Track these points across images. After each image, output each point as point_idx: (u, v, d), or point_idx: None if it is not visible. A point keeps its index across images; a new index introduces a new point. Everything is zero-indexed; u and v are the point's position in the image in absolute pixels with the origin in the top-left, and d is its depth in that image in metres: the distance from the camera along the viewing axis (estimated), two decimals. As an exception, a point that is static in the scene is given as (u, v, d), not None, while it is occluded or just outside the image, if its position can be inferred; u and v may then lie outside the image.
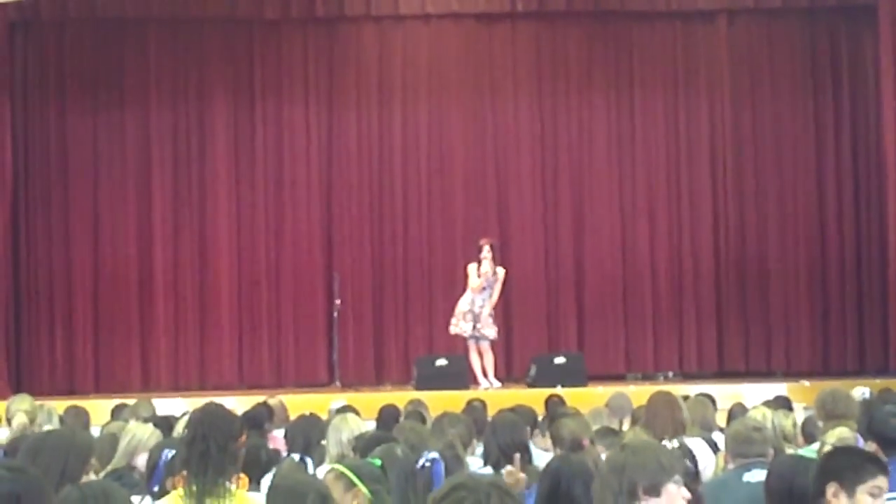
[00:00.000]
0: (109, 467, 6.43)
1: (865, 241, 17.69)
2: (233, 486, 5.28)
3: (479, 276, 15.55)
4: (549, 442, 7.92)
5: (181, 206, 17.48)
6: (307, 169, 17.66)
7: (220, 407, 5.51)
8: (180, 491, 5.14)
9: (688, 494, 4.37)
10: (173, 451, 5.74)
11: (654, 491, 4.28)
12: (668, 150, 17.94)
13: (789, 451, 7.62)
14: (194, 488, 5.10)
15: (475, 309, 15.54)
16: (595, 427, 8.05)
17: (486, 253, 15.57)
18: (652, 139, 17.94)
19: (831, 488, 4.63)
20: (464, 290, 15.81)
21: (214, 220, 17.47)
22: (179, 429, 7.53)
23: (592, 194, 17.87)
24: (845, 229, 17.79)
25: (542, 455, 7.30)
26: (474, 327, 15.54)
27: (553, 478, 5.24)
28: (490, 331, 15.63)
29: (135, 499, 6.00)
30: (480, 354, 15.62)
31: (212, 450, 5.16)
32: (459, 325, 15.61)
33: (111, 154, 17.42)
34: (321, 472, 6.70)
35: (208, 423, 5.28)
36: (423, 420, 8.84)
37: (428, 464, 6.29)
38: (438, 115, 17.87)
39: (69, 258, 17.23)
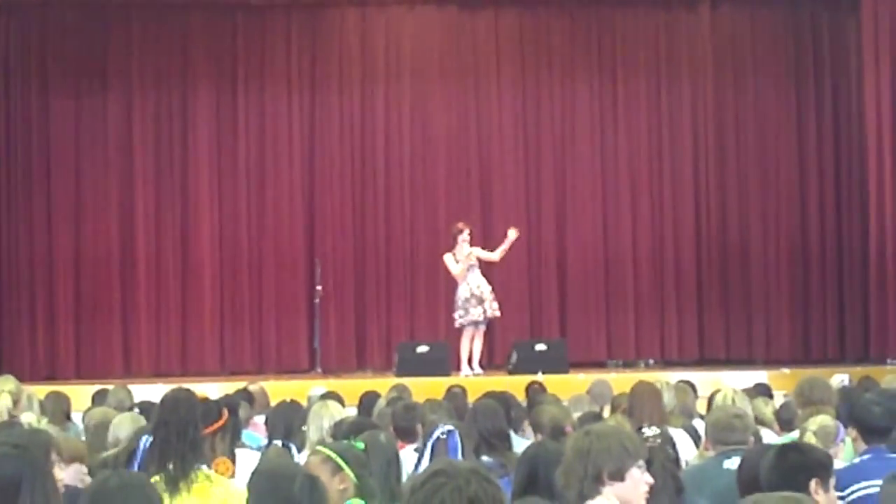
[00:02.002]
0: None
1: (846, 230, 17.74)
2: (208, 470, 5.29)
3: (457, 261, 15.47)
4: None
5: (163, 191, 17.43)
6: (289, 154, 17.62)
7: (184, 392, 5.52)
8: (156, 477, 5.16)
9: (651, 479, 4.41)
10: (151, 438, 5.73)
11: (619, 476, 4.32)
12: (651, 137, 17.96)
13: (769, 437, 7.67)
14: (164, 474, 5.13)
15: (475, 291, 15.44)
16: (576, 414, 8.06)
17: (466, 236, 15.50)
18: (634, 126, 17.95)
19: (814, 483, 4.68)
20: (448, 276, 15.78)
21: (196, 206, 17.43)
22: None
23: (575, 181, 17.88)
24: (827, 218, 17.84)
25: (523, 443, 7.29)
26: (484, 310, 15.46)
27: (530, 465, 5.19)
28: (495, 305, 15.55)
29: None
30: (472, 340, 15.55)
31: (171, 436, 5.18)
32: (469, 314, 15.43)
33: (93, 138, 17.35)
34: (303, 459, 6.71)
35: (169, 409, 5.31)
36: (405, 406, 8.83)
37: (443, 436, 6.32)
38: (421, 102, 17.85)
39: (50, 243, 17.15)
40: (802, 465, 4.75)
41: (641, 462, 4.39)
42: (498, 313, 15.63)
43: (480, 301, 15.41)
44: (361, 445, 5.04)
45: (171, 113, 17.52)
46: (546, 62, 17.96)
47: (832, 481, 4.80)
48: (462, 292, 15.48)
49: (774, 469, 4.77)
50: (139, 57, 17.43)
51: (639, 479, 4.37)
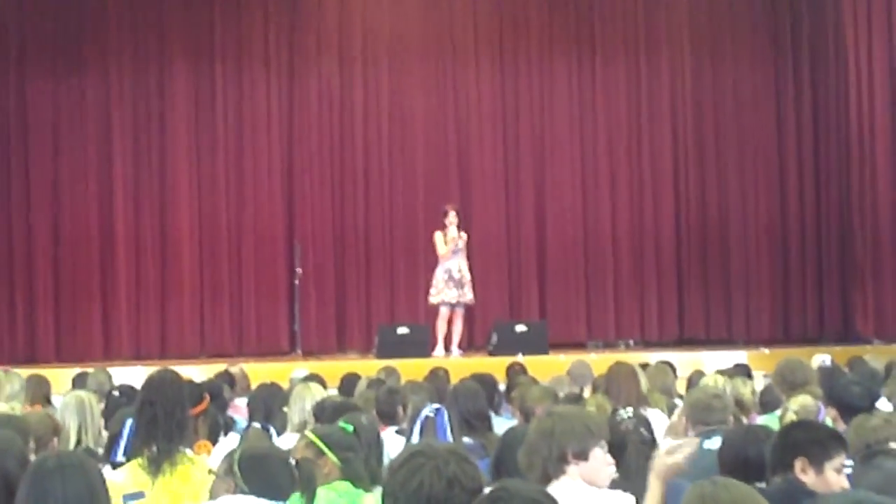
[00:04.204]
0: None
1: (825, 209, 17.78)
2: (190, 453, 5.27)
3: (446, 242, 15.45)
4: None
5: (141, 172, 17.34)
6: (268, 135, 17.56)
7: (171, 373, 5.50)
8: (139, 459, 5.14)
9: (612, 460, 4.54)
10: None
11: (583, 455, 4.45)
12: (630, 115, 17.98)
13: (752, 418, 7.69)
14: (147, 455, 5.11)
15: (455, 275, 15.42)
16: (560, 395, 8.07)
17: (453, 218, 15.47)
18: (613, 105, 17.97)
19: (800, 463, 4.64)
20: (427, 257, 15.77)
21: (175, 187, 17.36)
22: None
23: (554, 160, 17.89)
24: (806, 197, 17.89)
25: (504, 423, 7.31)
26: (459, 294, 15.44)
27: (507, 447, 5.21)
28: (471, 294, 15.57)
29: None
30: (451, 322, 15.55)
31: (159, 416, 5.16)
32: (443, 293, 15.41)
33: (71, 119, 17.26)
34: (283, 441, 6.70)
35: (155, 389, 5.29)
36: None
37: (432, 414, 6.32)
38: (399, 80, 17.81)
39: (29, 225, 17.06)
40: (793, 444, 4.71)
41: (604, 442, 4.51)
42: (471, 301, 15.61)
43: (459, 285, 15.39)
44: (350, 428, 5.04)
45: (149, 94, 17.42)
46: (524, 40, 17.95)
47: (833, 463, 4.65)
48: (440, 272, 15.49)
49: (774, 447, 4.76)
50: (116, 37, 17.31)
51: (602, 459, 4.49)
